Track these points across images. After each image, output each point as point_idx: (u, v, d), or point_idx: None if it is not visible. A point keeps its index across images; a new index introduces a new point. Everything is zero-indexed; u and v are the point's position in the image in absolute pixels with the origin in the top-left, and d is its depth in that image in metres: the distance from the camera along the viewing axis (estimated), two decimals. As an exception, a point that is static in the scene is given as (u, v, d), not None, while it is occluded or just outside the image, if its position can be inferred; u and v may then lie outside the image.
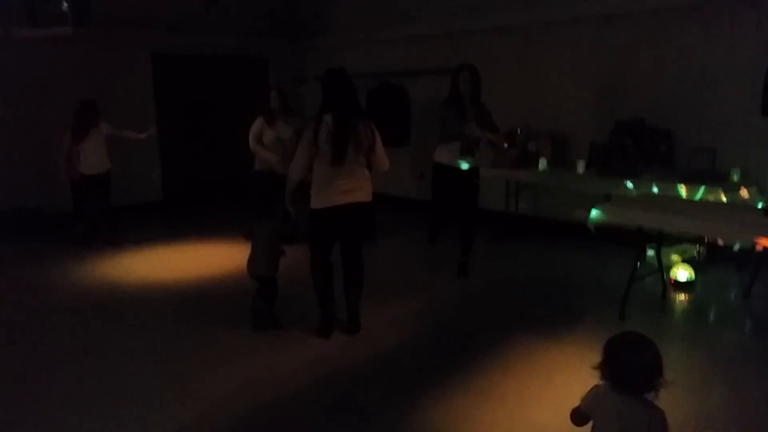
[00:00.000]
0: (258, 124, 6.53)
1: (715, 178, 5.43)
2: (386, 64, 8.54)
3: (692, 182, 5.34)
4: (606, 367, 2.10)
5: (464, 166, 5.26)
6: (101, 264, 6.09)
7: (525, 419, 3.13)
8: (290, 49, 10.00)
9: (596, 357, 3.70)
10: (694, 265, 5.30)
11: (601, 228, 4.72)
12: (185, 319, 4.63)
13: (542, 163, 6.53)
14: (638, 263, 4.55)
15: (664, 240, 4.87)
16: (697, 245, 5.60)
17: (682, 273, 5.12)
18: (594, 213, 4.57)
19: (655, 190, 5.43)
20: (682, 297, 4.97)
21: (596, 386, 2.16)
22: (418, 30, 8.08)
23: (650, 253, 5.37)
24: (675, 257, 5.43)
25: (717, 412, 3.17)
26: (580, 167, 6.22)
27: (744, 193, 5.17)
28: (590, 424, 2.23)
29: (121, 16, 8.13)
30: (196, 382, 3.60)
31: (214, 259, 6.26)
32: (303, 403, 3.38)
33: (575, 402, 3.20)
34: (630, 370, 2.05)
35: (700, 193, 5.23)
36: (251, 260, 4.33)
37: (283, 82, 8.47)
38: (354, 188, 4.01)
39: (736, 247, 5.04)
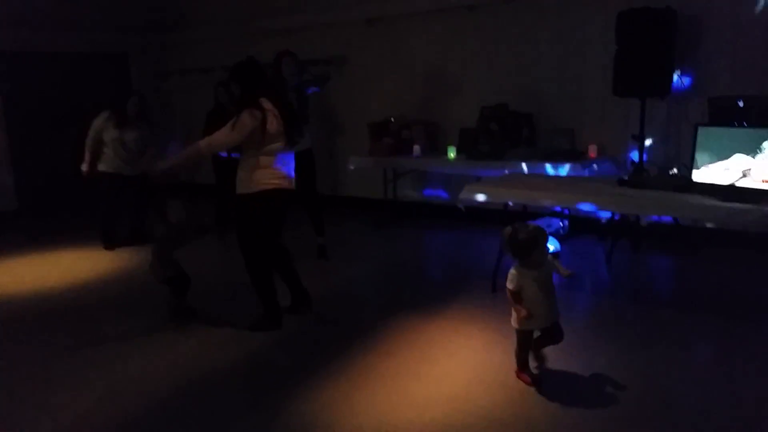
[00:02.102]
0: (102, 120, 6.16)
1: (575, 155, 5.75)
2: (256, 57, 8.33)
3: (554, 160, 5.63)
4: (516, 253, 3.11)
5: None
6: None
7: (404, 395, 3.13)
8: (151, 43, 9.54)
9: (470, 329, 3.86)
10: (558, 237, 5.58)
11: (472, 209, 4.86)
12: (45, 331, 4.27)
13: (416, 150, 6.65)
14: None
15: (528, 216, 5.08)
16: (561, 219, 5.91)
17: (548, 244, 5.36)
18: (463, 194, 4.69)
19: (524, 169, 5.66)
20: (549, 269, 5.21)
21: (511, 272, 3.11)
22: (282, 22, 7.94)
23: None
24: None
25: (579, 378, 3.31)
26: (451, 152, 6.39)
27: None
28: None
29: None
30: (53, 395, 3.32)
31: (73, 266, 5.84)
32: (171, 407, 3.21)
33: (451, 374, 3.31)
34: (531, 248, 3.06)
35: (565, 169, 5.52)
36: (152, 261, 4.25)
37: (144, 78, 8.10)
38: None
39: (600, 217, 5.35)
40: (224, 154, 4.51)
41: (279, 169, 3.92)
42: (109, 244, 6.33)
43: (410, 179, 7.30)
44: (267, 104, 3.85)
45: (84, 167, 6.19)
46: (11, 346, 4.03)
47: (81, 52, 8.74)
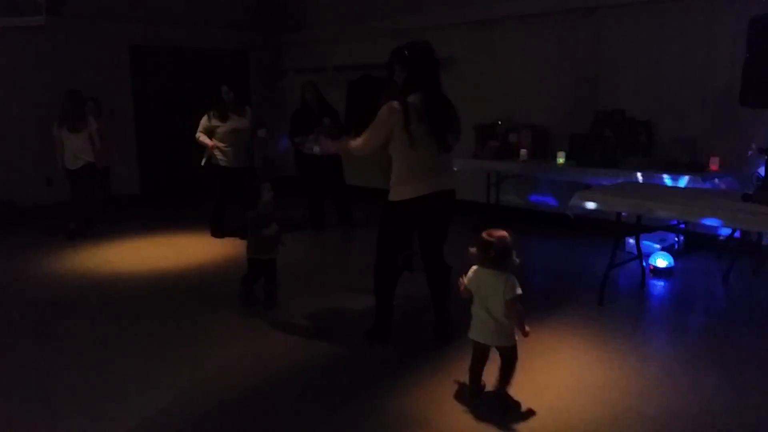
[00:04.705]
0: (207, 118, 6.44)
1: (695, 167, 5.45)
2: (367, 58, 8.49)
3: (673, 171, 5.37)
4: (480, 253, 3.01)
5: None
6: (78, 256, 5.99)
7: (502, 402, 3.09)
8: (270, 42, 9.93)
9: (575, 341, 3.75)
10: (672, 252, 5.31)
11: (581, 217, 4.72)
12: (161, 307, 4.56)
13: (523, 154, 6.53)
14: (617, 250, 4.55)
15: (642, 228, 4.87)
16: (676, 234, 5.62)
17: (661, 260, 5.13)
18: (573, 200, 4.55)
19: (639, 178, 5.44)
20: (660, 284, 4.98)
21: (510, 278, 2.95)
22: (398, 24, 8.03)
23: (631, 242, 5.37)
24: (654, 245, 5.45)
25: (692, 401, 3.14)
26: (561, 158, 6.22)
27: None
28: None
29: (97, 6, 8.01)
30: (172, 368, 3.53)
31: (188, 250, 6.18)
32: (283, 388, 3.32)
33: (553, 385, 3.23)
34: (496, 251, 2.96)
35: (684, 181, 5.25)
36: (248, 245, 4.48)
37: (262, 76, 8.41)
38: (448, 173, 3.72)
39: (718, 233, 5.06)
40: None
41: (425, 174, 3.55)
42: (217, 232, 6.65)
43: (514, 184, 7.18)
44: (416, 99, 3.48)
45: (214, 160, 6.52)
46: (128, 321, 4.33)
47: (205, 49, 9.22)
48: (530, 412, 2.97)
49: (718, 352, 3.70)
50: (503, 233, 3.01)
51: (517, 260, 3.00)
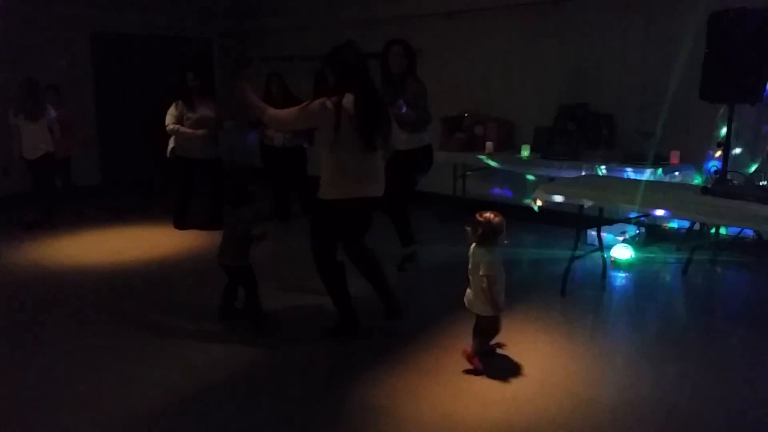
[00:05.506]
0: (175, 107, 6.33)
1: (656, 160, 5.56)
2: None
3: (634, 165, 5.46)
4: (473, 231, 3.38)
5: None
6: (37, 248, 5.85)
7: (467, 391, 3.13)
8: (235, 30, 9.77)
9: (537, 330, 3.80)
10: (633, 244, 5.42)
11: (544, 210, 4.77)
12: (123, 301, 4.48)
13: (489, 147, 6.57)
14: (579, 242, 4.62)
15: (604, 220, 4.94)
16: (637, 226, 5.73)
17: (622, 252, 5.22)
18: (537, 193, 4.60)
19: (601, 171, 5.52)
20: (621, 275, 5.07)
21: (488, 259, 3.31)
22: (364, 13, 8.00)
23: (593, 233, 5.45)
24: (615, 237, 5.54)
25: (650, 391, 3.20)
26: (525, 151, 6.28)
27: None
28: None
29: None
30: (131, 367, 3.48)
31: (151, 242, 6.08)
32: (247, 384, 3.30)
33: (516, 374, 3.27)
34: (483, 230, 3.34)
35: (644, 174, 5.35)
36: (221, 250, 4.04)
37: (226, 64, 8.29)
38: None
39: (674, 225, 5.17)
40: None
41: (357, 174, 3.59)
42: (180, 224, 6.55)
43: (480, 176, 7.22)
44: (348, 101, 3.50)
45: (177, 151, 6.43)
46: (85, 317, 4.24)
47: (168, 36, 9.05)
48: (493, 400, 3.01)
49: (677, 342, 3.78)
50: (491, 215, 3.36)
51: (506, 241, 3.41)
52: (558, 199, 4.49)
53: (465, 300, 3.49)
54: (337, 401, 3.07)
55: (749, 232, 5.14)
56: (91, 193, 8.18)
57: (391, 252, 5.05)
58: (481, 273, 3.31)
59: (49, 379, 3.30)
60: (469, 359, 3.32)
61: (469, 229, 3.42)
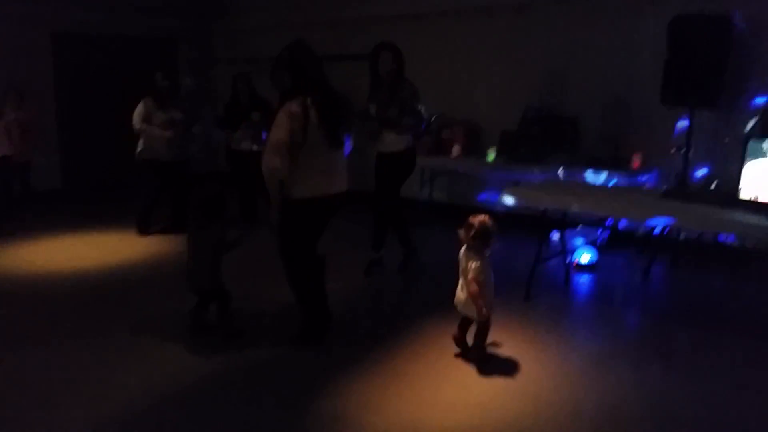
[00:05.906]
0: (144, 105, 6.17)
1: (618, 163, 5.64)
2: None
3: (596, 168, 5.54)
4: (465, 234, 3.44)
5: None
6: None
7: (432, 397, 3.13)
8: (200, 30, 9.66)
9: (501, 336, 3.82)
10: (596, 248, 5.49)
11: (509, 214, 4.80)
12: (83, 310, 4.38)
13: (455, 150, 6.60)
14: (542, 246, 4.66)
15: (567, 224, 5.00)
16: (600, 229, 5.80)
17: (585, 256, 5.28)
18: (502, 197, 4.63)
19: (560, 175, 5.59)
20: (584, 279, 5.13)
21: (477, 264, 3.37)
22: (334, 15, 7.98)
23: (556, 237, 5.51)
24: (578, 241, 5.60)
25: (613, 393, 3.25)
26: (491, 154, 6.32)
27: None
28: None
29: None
30: (93, 377, 3.41)
31: (113, 249, 5.95)
32: (213, 393, 3.25)
33: (480, 380, 3.28)
34: (474, 233, 3.40)
35: (605, 177, 5.42)
36: (191, 272, 3.85)
37: (191, 65, 8.18)
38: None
39: (639, 229, 5.24)
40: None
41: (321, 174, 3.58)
42: (144, 230, 6.42)
43: (447, 180, 7.25)
44: (309, 103, 3.47)
45: (143, 154, 6.27)
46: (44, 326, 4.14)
47: (130, 36, 8.89)
48: (458, 406, 3.01)
49: (639, 345, 3.85)
50: (485, 218, 3.44)
51: (497, 244, 3.49)
52: (521, 202, 4.53)
53: (455, 302, 3.55)
54: (303, 411, 3.04)
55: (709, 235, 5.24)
56: (52, 197, 8.00)
57: (386, 256, 5.18)
58: (470, 277, 3.37)
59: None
60: (475, 355, 3.48)
61: (461, 231, 3.46)
